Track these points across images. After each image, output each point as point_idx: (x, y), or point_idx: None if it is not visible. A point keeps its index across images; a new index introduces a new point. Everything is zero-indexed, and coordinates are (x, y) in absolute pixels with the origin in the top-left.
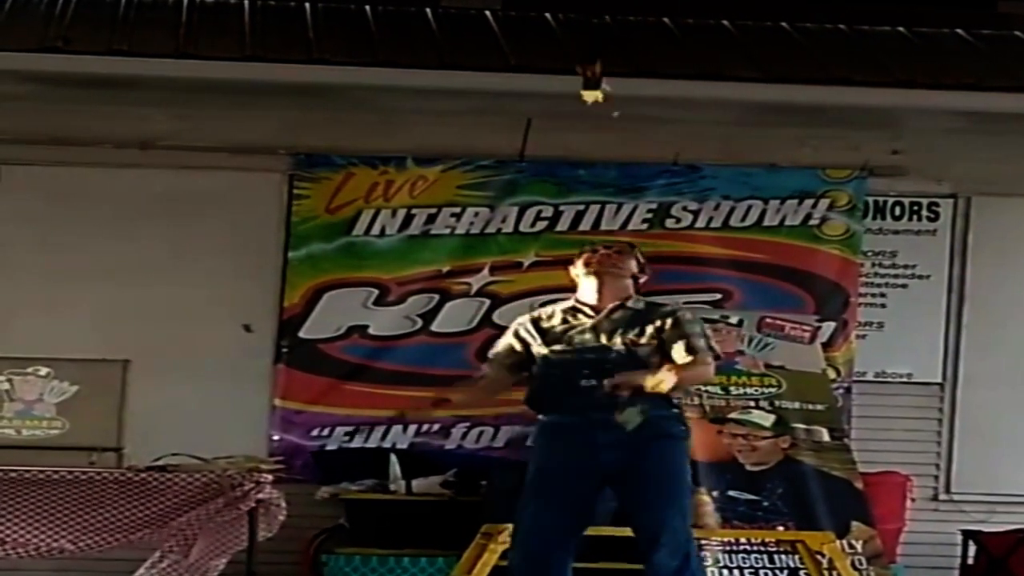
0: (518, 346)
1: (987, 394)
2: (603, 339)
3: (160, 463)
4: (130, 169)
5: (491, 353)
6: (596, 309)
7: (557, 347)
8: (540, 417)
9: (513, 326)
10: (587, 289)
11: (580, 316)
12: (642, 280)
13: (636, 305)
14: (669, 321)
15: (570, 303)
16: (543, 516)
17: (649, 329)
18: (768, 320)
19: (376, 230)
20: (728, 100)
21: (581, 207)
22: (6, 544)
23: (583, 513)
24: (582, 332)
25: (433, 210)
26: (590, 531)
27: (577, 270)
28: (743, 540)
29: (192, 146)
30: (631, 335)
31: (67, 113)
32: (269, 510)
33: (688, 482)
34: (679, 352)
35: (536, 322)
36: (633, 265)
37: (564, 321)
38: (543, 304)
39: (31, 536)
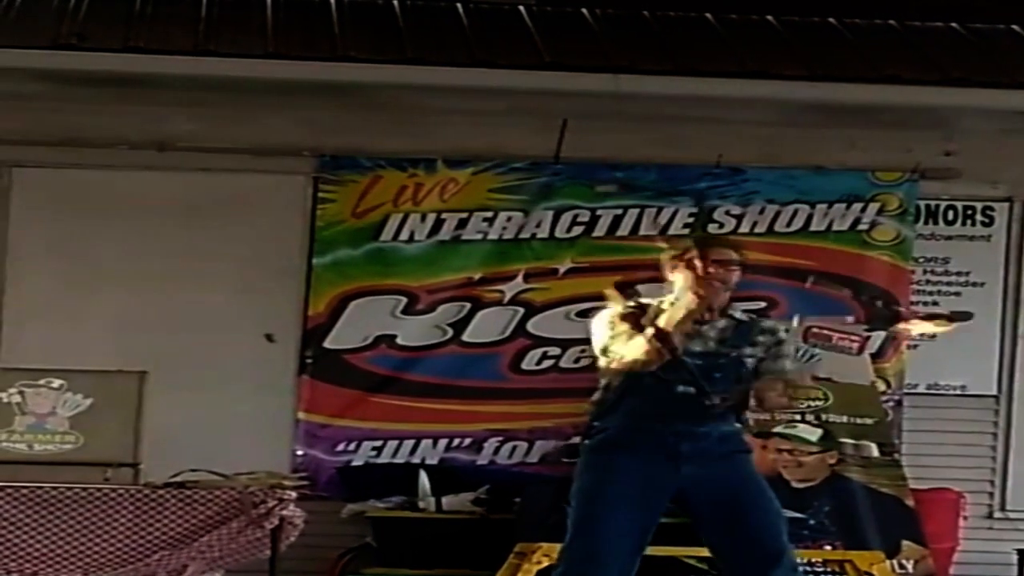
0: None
1: None
2: (711, 347)
3: (178, 479)
4: (147, 172)
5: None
6: (702, 314)
7: None
8: (596, 423)
9: (611, 315)
10: (690, 295)
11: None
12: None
13: (740, 316)
14: (772, 338)
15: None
16: (616, 525)
17: (756, 342)
18: (815, 330)
19: (405, 235)
20: (773, 99)
21: (619, 211)
22: (17, 565)
23: (650, 529)
24: (691, 335)
25: (464, 215)
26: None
27: (680, 278)
28: None
29: (212, 147)
30: (737, 347)
31: (81, 113)
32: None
33: None
34: (767, 370)
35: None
36: (738, 275)
37: None
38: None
39: (42, 557)
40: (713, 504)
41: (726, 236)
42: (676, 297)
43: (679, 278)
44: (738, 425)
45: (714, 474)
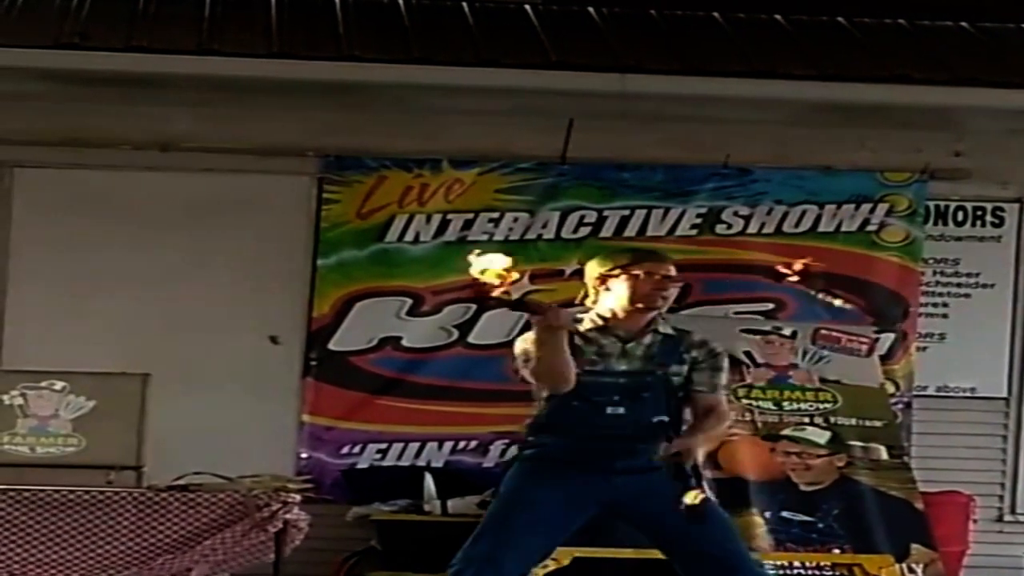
0: None
1: None
2: (636, 365)
3: (182, 482)
4: (150, 172)
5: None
6: (628, 331)
7: (591, 364)
8: (531, 439)
9: (526, 339)
10: (620, 310)
11: (610, 337)
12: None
13: (666, 330)
14: (703, 352)
15: (596, 321)
16: (526, 533)
17: (684, 358)
18: (823, 331)
19: (410, 236)
20: (781, 99)
21: (626, 212)
22: (20, 569)
23: (559, 540)
24: (613, 356)
25: (470, 215)
26: (612, 554)
27: (617, 291)
28: (797, 564)
29: (215, 148)
30: (665, 364)
31: (84, 113)
32: (291, 531)
33: None
34: (701, 385)
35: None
36: (674, 292)
37: (593, 341)
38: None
39: (44, 561)
40: (652, 515)
41: (660, 250)
42: (595, 313)
43: (615, 291)
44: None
45: (649, 484)
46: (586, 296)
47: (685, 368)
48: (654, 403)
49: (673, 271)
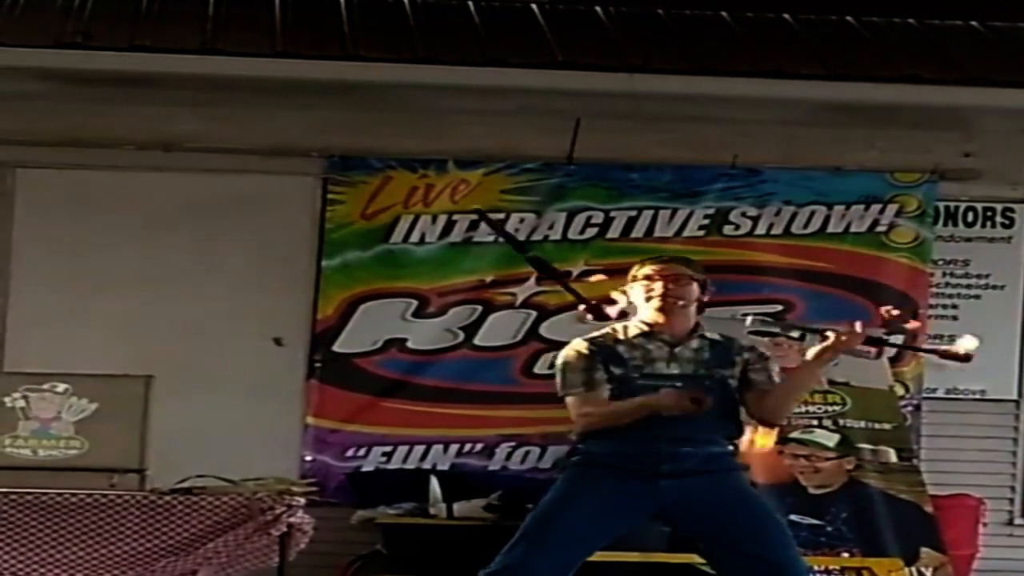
0: (601, 368)
1: None
2: (688, 368)
3: (185, 485)
4: (153, 172)
5: (582, 385)
6: (673, 336)
7: (639, 369)
8: (580, 445)
9: (581, 350)
10: (655, 316)
11: (656, 342)
12: (705, 299)
13: (713, 336)
14: (754, 355)
15: (640, 327)
16: (565, 548)
17: (735, 362)
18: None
19: (415, 237)
20: (790, 99)
21: (633, 213)
22: (23, 573)
23: (598, 547)
24: (662, 361)
25: (476, 216)
26: (620, 558)
27: (636, 296)
28: None
29: (219, 148)
30: (719, 368)
31: (86, 113)
32: (295, 534)
33: None
34: (764, 384)
35: (609, 346)
36: (696, 290)
37: (639, 347)
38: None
39: (47, 564)
40: (701, 519)
41: (680, 256)
42: (638, 320)
43: (635, 298)
44: (730, 447)
45: (698, 488)
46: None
47: (737, 371)
48: (711, 408)
49: (683, 270)
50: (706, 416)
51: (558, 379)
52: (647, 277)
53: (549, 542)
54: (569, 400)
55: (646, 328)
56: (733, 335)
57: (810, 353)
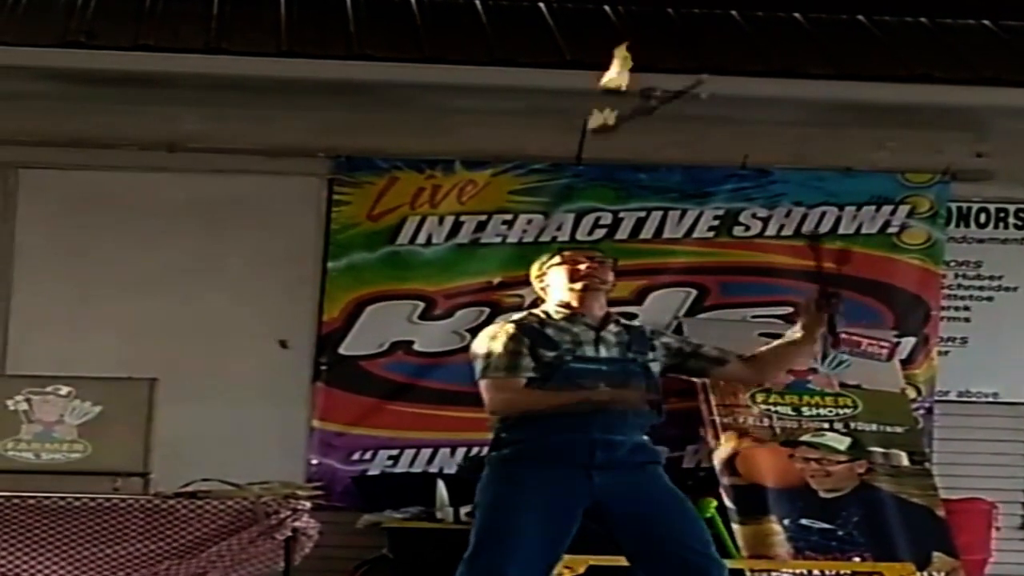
0: (528, 354)
1: None
2: (615, 352)
3: (190, 489)
4: (157, 173)
5: (505, 370)
6: (593, 320)
7: (570, 352)
8: (504, 435)
9: (494, 330)
10: (573, 299)
11: (581, 325)
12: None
13: (627, 323)
14: (677, 341)
15: (562, 311)
16: (523, 539)
17: (655, 346)
18: (843, 335)
19: (422, 239)
20: (801, 99)
21: (642, 214)
22: None
23: (562, 542)
24: (589, 344)
25: (483, 217)
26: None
27: (556, 279)
28: (816, 572)
29: (224, 148)
30: (641, 352)
31: (90, 113)
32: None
33: None
34: (709, 354)
35: (536, 328)
36: (611, 275)
37: (566, 330)
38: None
39: (50, 569)
40: (629, 515)
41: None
42: (555, 303)
43: (555, 281)
44: (646, 437)
45: (627, 484)
46: (537, 302)
47: (659, 355)
48: (638, 392)
49: (598, 255)
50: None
51: (478, 361)
52: (571, 260)
53: (514, 543)
54: (485, 383)
55: (567, 312)
56: (637, 324)
57: (801, 329)
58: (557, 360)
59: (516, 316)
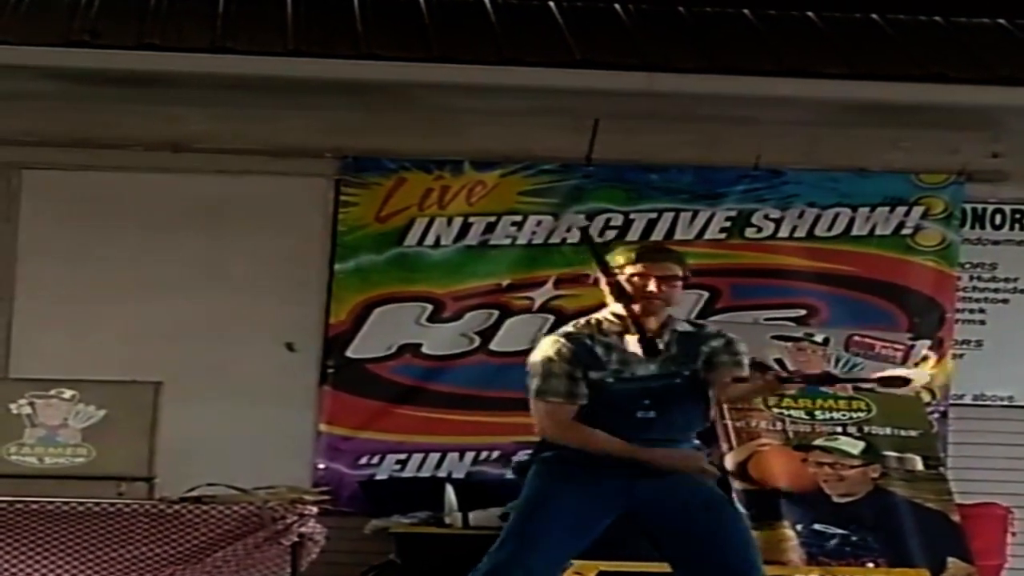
0: (582, 376)
1: None
2: (663, 367)
3: (195, 494)
4: (162, 174)
5: (564, 395)
6: (648, 332)
7: (616, 373)
8: (547, 453)
9: (555, 347)
10: (632, 312)
11: (628, 339)
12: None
13: (683, 328)
14: (721, 343)
15: (614, 321)
16: (551, 541)
17: (702, 351)
18: (857, 338)
19: (430, 240)
20: (814, 99)
21: (653, 215)
22: None
23: (582, 548)
24: (637, 361)
25: (492, 218)
26: (639, 568)
27: (619, 294)
28: None
29: (229, 149)
30: (689, 362)
31: (94, 113)
32: (307, 544)
33: None
34: (718, 366)
35: (587, 346)
36: (681, 289)
37: (615, 347)
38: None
39: (54, 574)
40: (671, 521)
41: (670, 246)
42: (610, 312)
43: (617, 292)
44: (697, 442)
45: (671, 490)
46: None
47: (702, 364)
48: (683, 404)
49: (675, 270)
50: (674, 417)
51: (535, 380)
52: (644, 278)
53: (539, 539)
54: (540, 404)
55: (620, 325)
56: (704, 323)
57: (745, 389)
58: (601, 383)
59: (571, 327)
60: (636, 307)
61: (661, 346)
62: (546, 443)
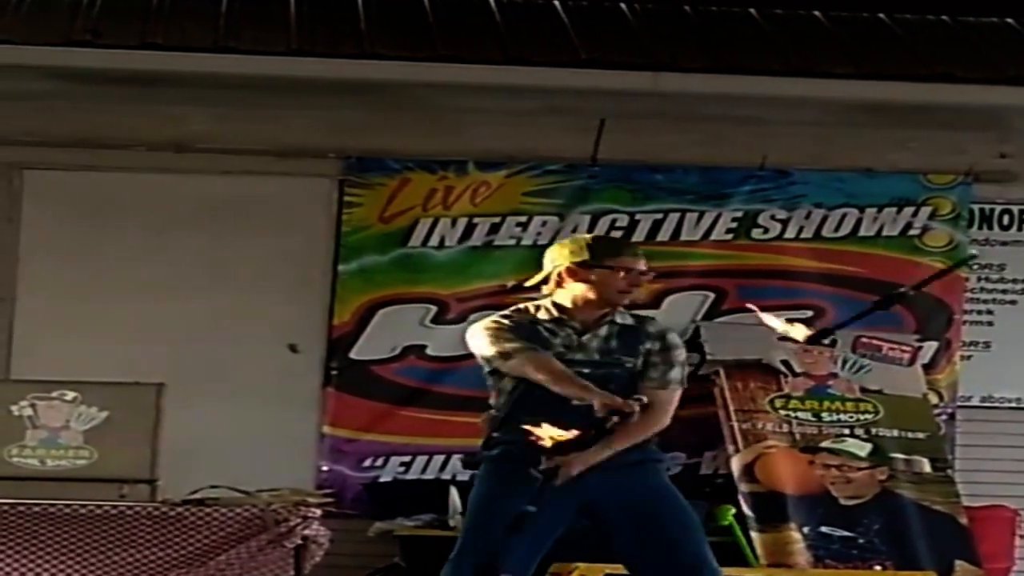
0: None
1: None
2: (594, 357)
3: (197, 496)
4: (164, 174)
5: (527, 350)
6: (583, 324)
7: (558, 356)
8: (495, 435)
9: (502, 322)
10: (579, 304)
11: (565, 329)
12: None
13: (624, 320)
14: (659, 344)
15: (551, 312)
16: (516, 550)
17: (640, 350)
18: (864, 340)
19: (434, 241)
20: (820, 98)
21: (659, 216)
22: None
23: (546, 544)
24: (573, 347)
25: (497, 219)
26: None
27: (587, 287)
28: None
29: (232, 149)
30: (626, 356)
31: (96, 113)
32: (311, 547)
33: None
34: (652, 380)
35: (527, 325)
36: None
37: (551, 332)
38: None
39: None
40: (624, 512)
41: (629, 241)
42: (559, 300)
43: (584, 284)
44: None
45: (624, 481)
46: (544, 282)
47: (640, 360)
48: (621, 396)
49: (644, 265)
50: None
51: (487, 348)
52: (633, 279)
53: (497, 546)
54: (514, 363)
55: (557, 313)
56: (650, 316)
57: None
58: None
59: (501, 313)
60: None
61: (597, 340)
62: (492, 440)
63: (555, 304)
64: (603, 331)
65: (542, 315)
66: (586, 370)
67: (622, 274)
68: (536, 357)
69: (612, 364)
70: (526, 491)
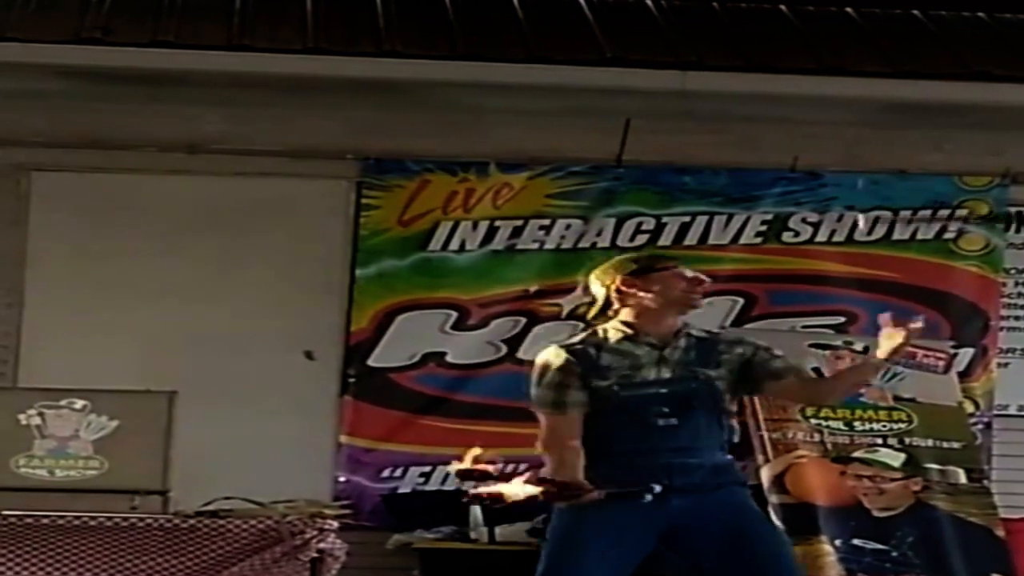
0: (579, 385)
1: None
2: (677, 371)
3: (211, 508)
4: (177, 176)
5: (551, 406)
6: (660, 338)
7: (624, 380)
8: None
9: (557, 363)
10: (654, 314)
11: (642, 347)
12: None
13: (699, 333)
14: (748, 349)
15: (623, 330)
16: (589, 568)
17: (724, 359)
18: None
19: (455, 245)
20: (853, 98)
21: (687, 219)
22: None
23: (628, 571)
24: (650, 366)
25: (519, 222)
26: None
27: (651, 296)
28: None
29: (247, 150)
30: (704, 369)
31: (106, 113)
32: (327, 560)
33: None
34: (779, 372)
35: (590, 355)
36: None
37: (626, 353)
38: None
39: None
40: (709, 537)
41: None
42: (618, 321)
43: (647, 295)
44: (729, 456)
45: (708, 505)
46: (603, 311)
47: (725, 371)
48: (704, 411)
49: (691, 272)
50: (698, 424)
51: (532, 389)
52: (695, 280)
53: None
54: (538, 413)
55: (629, 331)
56: (716, 331)
57: (883, 351)
58: (606, 390)
59: (573, 339)
60: (678, 306)
61: (678, 352)
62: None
63: (624, 323)
64: (682, 343)
65: (612, 335)
66: (664, 390)
67: (678, 278)
68: (552, 420)
69: (691, 378)
70: (610, 520)
